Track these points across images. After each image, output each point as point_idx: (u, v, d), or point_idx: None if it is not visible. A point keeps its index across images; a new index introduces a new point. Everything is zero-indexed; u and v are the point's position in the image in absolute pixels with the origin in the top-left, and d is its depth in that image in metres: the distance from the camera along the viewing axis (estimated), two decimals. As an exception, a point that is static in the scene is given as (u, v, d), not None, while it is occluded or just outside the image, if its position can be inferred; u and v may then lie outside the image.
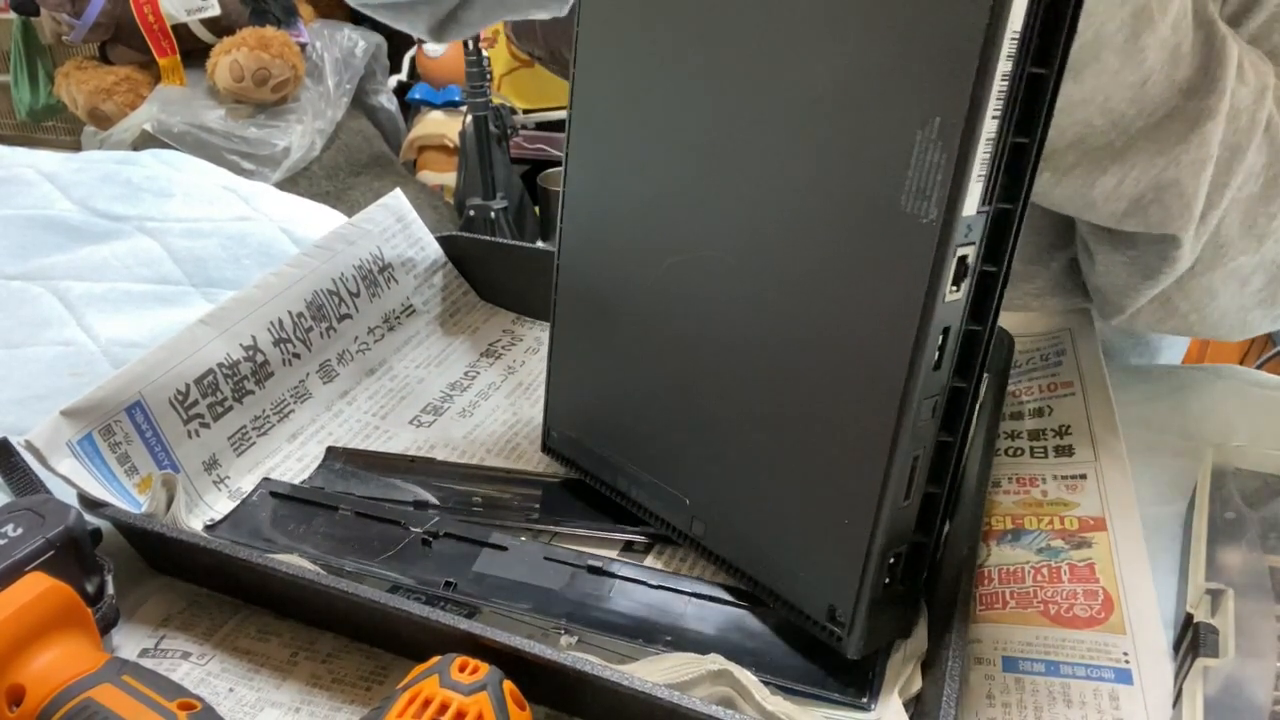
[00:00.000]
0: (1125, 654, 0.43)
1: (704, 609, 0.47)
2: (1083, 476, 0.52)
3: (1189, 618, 0.43)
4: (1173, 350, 0.81)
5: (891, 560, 0.41)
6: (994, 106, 0.34)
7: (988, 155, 0.35)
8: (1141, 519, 0.48)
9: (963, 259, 0.36)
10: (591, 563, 0.49)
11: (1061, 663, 0.43)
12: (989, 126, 0.34)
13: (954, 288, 0.36)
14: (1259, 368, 1.06)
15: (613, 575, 0.49)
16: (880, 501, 0.39)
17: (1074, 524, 0.49)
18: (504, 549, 0.50)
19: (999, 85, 0.34)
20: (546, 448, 0.57)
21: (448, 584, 0.48)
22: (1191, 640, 0.41)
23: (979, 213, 0.36)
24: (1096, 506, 0.50)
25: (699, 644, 0.43)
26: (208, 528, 0.53)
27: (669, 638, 0.45)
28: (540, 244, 1.88)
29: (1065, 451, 0.54)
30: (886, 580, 0.41)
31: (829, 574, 0.42)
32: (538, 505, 0.55)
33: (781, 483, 0.43)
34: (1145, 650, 0.43)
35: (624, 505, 0.52)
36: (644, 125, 0.46)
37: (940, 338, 0.37)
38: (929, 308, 0.36)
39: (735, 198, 0.43)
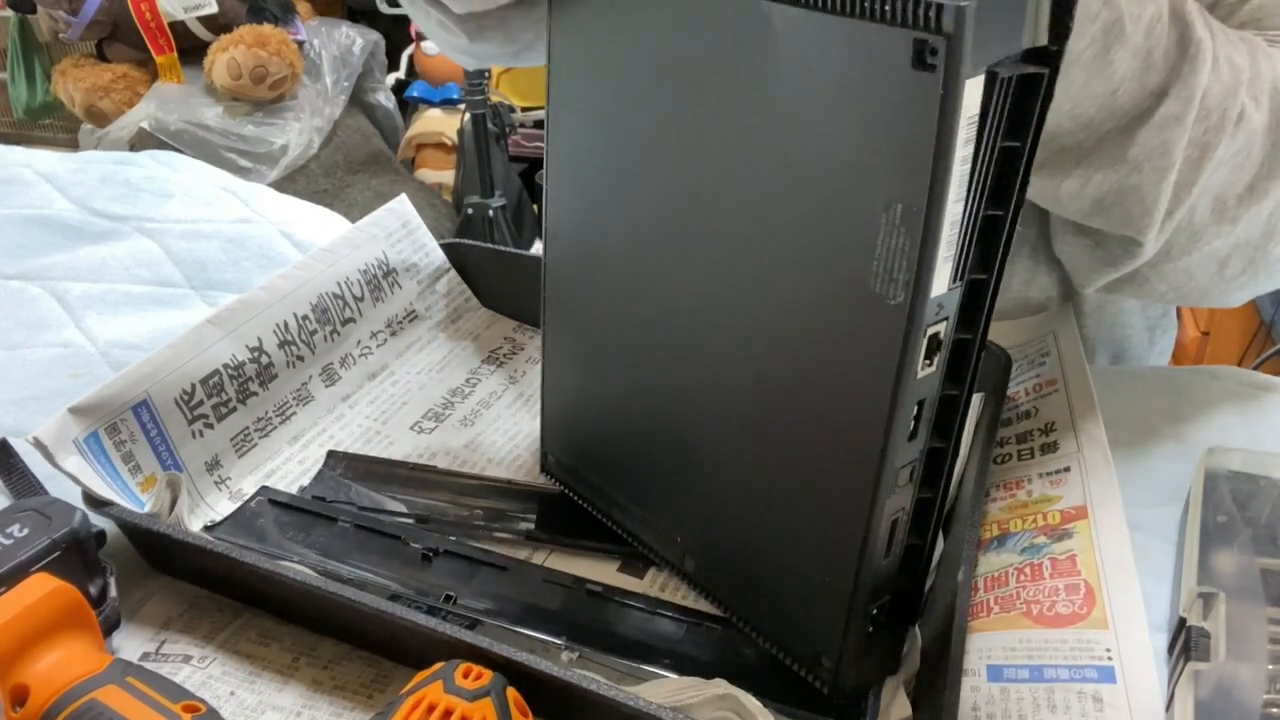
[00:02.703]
0: (1108, 650, 0.42)
1: (701, 633, 0.47)
2: (1066, 470, 0.52)
3: (1181, 621, 0.43)
4: (1165, 339, 0.81)
5: (875, 611, 0.41)
6: (956, 190, 0.33)
7: (954, 236, 0.34)
8: (1135, 521, 0.48)
9: (934, 336, 0.36)
10: (590, 587, 0.49)
11: (1045, 666, 0.43)
12: (953, 210, 0.33)
13: (927, 362, 0.36)
14: (1256, 368, 1.06)
15: (611, 599, 0.49)
16: (860, 561, 0.39)
17: (1056, 518, 0.49)
18: (504, 569, 0.51)
19: (960, 170, 0.33)
20: (545, 469, 0.57)
21: (448, 597, 0.48)
22: (1183, 643, 0.42)
23: (950, 290, 0.35)
24: (1079, 496, 0.50)
25: (696, 667, 0.43)
26: (207, 528, 0.53)
27: (667, 660, 0.45)
28: (539, 244, 1.87)
29: (1050, 448, 0.54)
30: (871, 629, 0.41)
31: (813, 622, 0.42)
32: (535, 520, 0.55)
33: (766, 532, 0.43)
34: (1128, 644, 0.42)
35: (619, 534, 0.52)
36: (620, 172, 0.45)
37: (915, 409, 0.37)
38: (900, 385, 0.36)
39: (710, 256, 0.42)
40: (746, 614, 0.46)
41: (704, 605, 0.49)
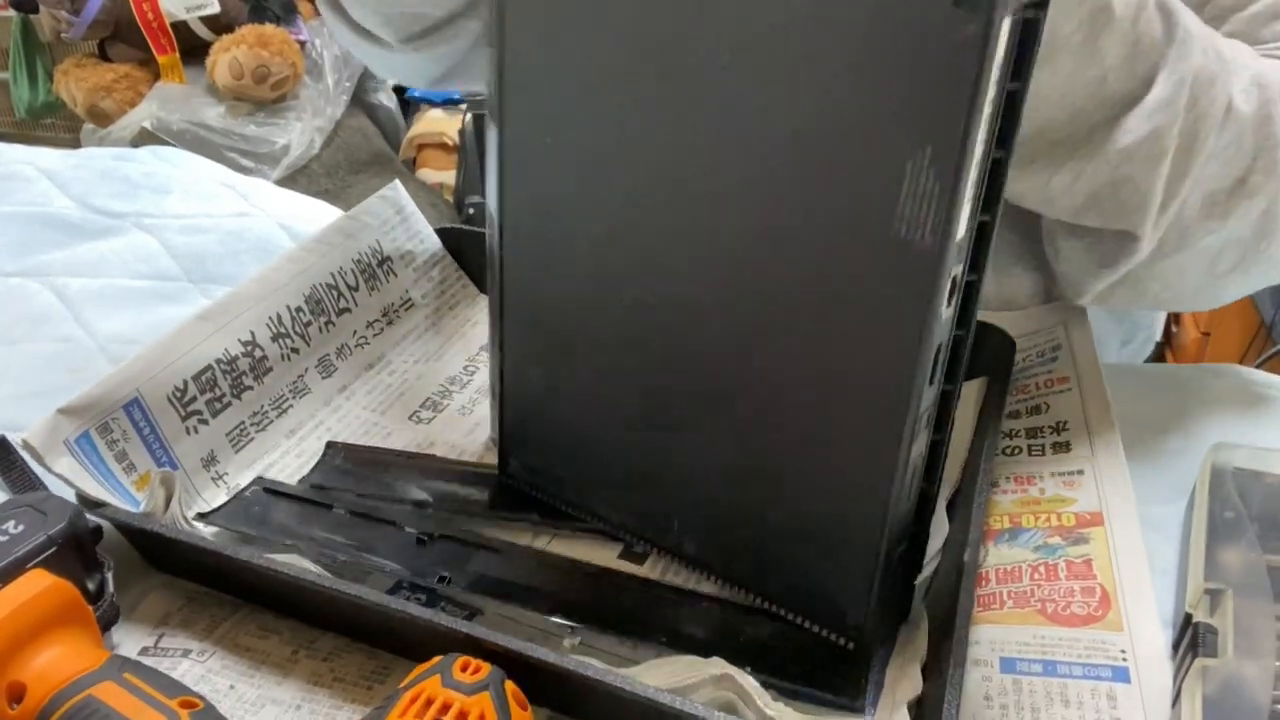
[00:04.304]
0: (1123, 652, 0.42)
1: (699, 611, 0.47)
2: (1080, 472, 0.52)
3: (1188, 617, 0.43)
4: (1150, 330, 0.82)
5: (896, 557, 0.42)
6: (983, 131, 0.34)
7: (975, 177, 0.35)
8: (1140, 518, 0.48)
9: (954, 279, 0.36)
10: (587, 567, 0.49)
11: (1059, 662, 0.43)
12: (977, 151, 0.34)
13: (949, 303, 0.37)
14: (1258, 367, 1.06)
15: (608, 579, 0.49)
16: (887, 510, 0.39)
17: (1071, 520, 0.49)
18: (499, 551, 0.50)
19: (986, 110, 0.33)
20: (506, 473, 0.55)
21: (442, 578, 0.48)
22: (1190, 640, 0.42)
23: (967, 231, 0.36)
24: (1094, 502, 0.50)
25: (694, 645, 0.43)
26: (200, 515, 0.53)
27: (664, 639, 0.45)
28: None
29: (1062, 448, 0.54)
30: (890, 584, 0.42)
31: (836, 580, 0.42)
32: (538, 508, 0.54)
33: (778, 501, 0.43)
34: (1143, 647, 0.42)
35: (604, 529, 0.51)
36: (593, 144, 0.43)
37: (935, 352, 0.37)
38: (928, 329, 0.36)
39: (705, 227, 0.41)
40: (758, 585, 0.46)
41: (702, 586, 0.49)
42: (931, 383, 0.38)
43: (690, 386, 0.44)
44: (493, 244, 0.50)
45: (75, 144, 1.94)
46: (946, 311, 0.37)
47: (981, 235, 0.37)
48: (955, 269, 0.36)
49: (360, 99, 2.00)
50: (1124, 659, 0.42)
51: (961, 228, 0.35)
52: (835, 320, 0.38)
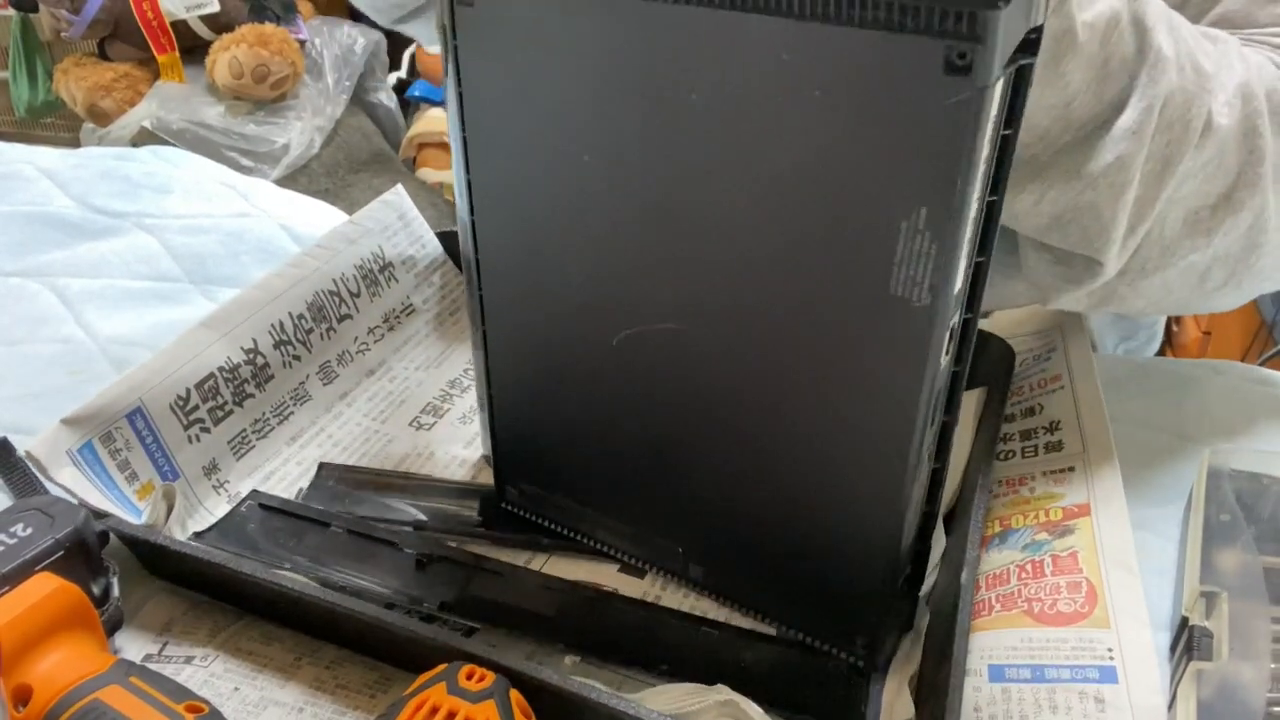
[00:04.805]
0: (1109, 650, 0.42)
1: (699, 637, 0.47)
2: (1070, 469, 0.52)
3: (1184, 620, 0.43)
4: (1152, 329, 0.81)
5: (902, 580, 0.42)
6: (977, 190, 0.33)
7: (971, 233, 0.34)
8: (1136, 520, 0.48)
9: (952, 329, 0.36)
10: (586, 592, 0.49)
11: (1047, 666, 0.43)
12: (972, 210, 0.33)
13: (946, 351, 0.37)
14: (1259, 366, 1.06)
15: (609, 604, 0.49)
16: (895, 545, 0.40)
17: (1058, 514, 0.49)
18: (499, 574, 0.50)
19: (981, 168, 0.33)
20: (506, 503, 0.54)
21: (443, 605, 0.48)
22: (1186, 643, 0.42)
23: (963, 282, 0.36)
24: (1082, 494, 0.50)
25: (696, 672, 0.43)
26: (195, 535, 0.52)
27: (665, 666, 0.45)
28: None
29: (1055, 447, 0.54)
30: (897, 601, 0.43)
31: (845, 603, 0.43)
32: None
33: (789, 531, 0.43)
34: (1130, 644, 0.42)
35: (608, 554, 0.51)
36: (570, 179, 0.41)
37: (934, 397, 0.37)
38: (926, 383, 0.36)
39: (694, 270, 0.40)
40: (766, 608, 0.46)
41: (701, 606, 0.49)
42: (931, 424, 0.38)
43: (694, 418, 0.44)
44: (471, 271, 0.48)
45: (75, 143, 1.94)
46: (945, 360, 0.37)
47: (976, 276, 0.37)
48: (953, 319, 0.36)
49: (360, 98, 2.00)
50: (1111, 658, 0.42)
51: (959, 282, 0.35)
52: (833, 367, 0.38)
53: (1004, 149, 0.35)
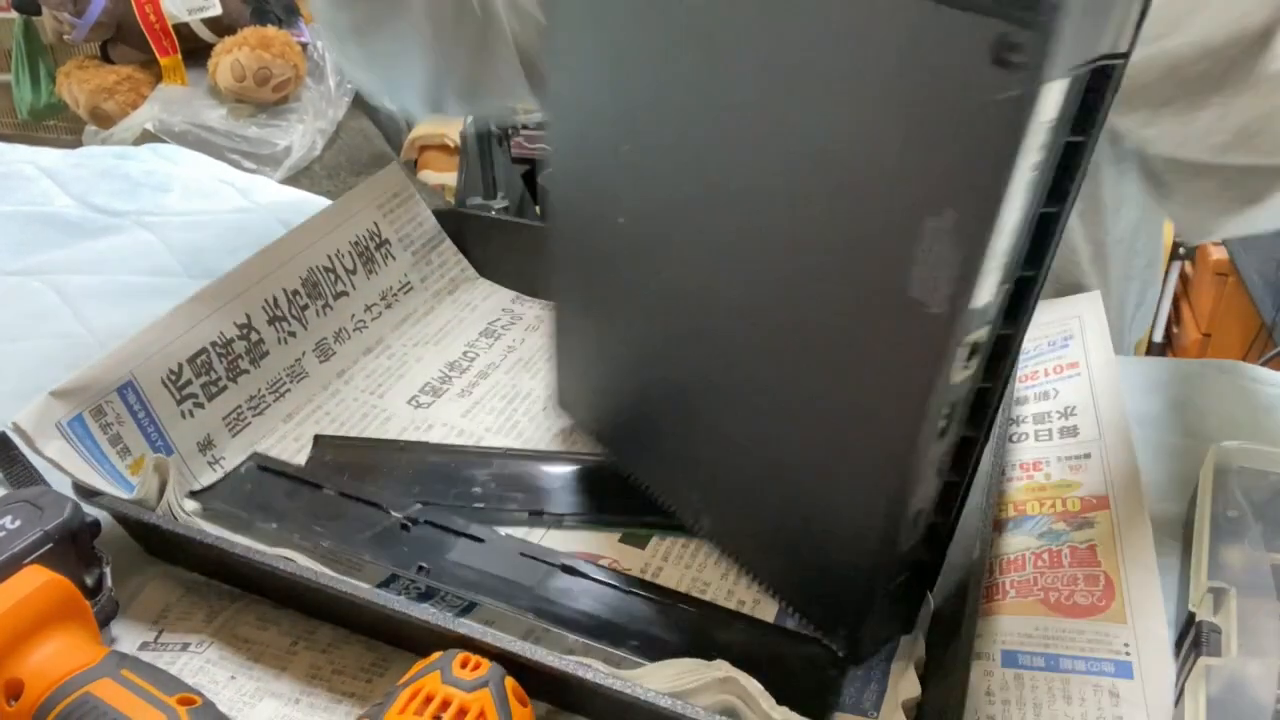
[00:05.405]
0: (1126, 645, 0.42)
1: (674, 615, 0.46)
2: (1087, 456, 0.51)
3: (1191, 616, 0.43)
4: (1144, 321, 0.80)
5: (893, 586, 0.41)
6: (1016, 199, 0.30)
7: (1007, 246, 0.31)
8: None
9: (974, 344, 0.34)
10: (565, 562, 0.49)
11: (1061, 655, 0.42)
12: (1010, 219, 0.30)
13: (964, 366, 0.34)
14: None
15: (585, 576, 0.48)
16: (883, 548, 0.39)
17: (1076, 505, 0.49)
18: (480, 540, 0.50)
19: (1026, 176, 0.30)
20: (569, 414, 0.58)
21: (420, 568, 0.48)
22: (1194, 639, 0.41)
23: (994, 297, 0.33)
24: (1100, 485, 0.49)
25: (666, 650, 0.43)
26: (193, 493, 0.52)
27: (635, 642, 0.44)
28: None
29: (1070, 433, 0.53)
30: (890, 603, 0.42)
31: (833, 592, 0.42)
32: (535, 493, 0.54)
33: (789, 504, 0.43)
34: (1147, 640, 0.42)
35: (633, 486, 0.52)
36: (631, 138, 0.43)
37: (947, 410, 0.36)
38: (932, 394, 0.34)
39: (733, 230, 0.40)
40: (762, 572, 0.46)
41: (700, 582, 0.49)
42: (943, 436, 0.36)
43: (718, 378, 0.44)
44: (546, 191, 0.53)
45: (77, 145, 1.94)
46: (961, 374, 0.35)
47: (1022, 291, 0.34)
48: (974, 335, 0.34)
49: (361, 101, 2.00)
50: (1127, 653, 0.42)
51: (984, 296, 0.32)
52: (846, 352, 0.37)
53: (1071, 157, 0.31)
